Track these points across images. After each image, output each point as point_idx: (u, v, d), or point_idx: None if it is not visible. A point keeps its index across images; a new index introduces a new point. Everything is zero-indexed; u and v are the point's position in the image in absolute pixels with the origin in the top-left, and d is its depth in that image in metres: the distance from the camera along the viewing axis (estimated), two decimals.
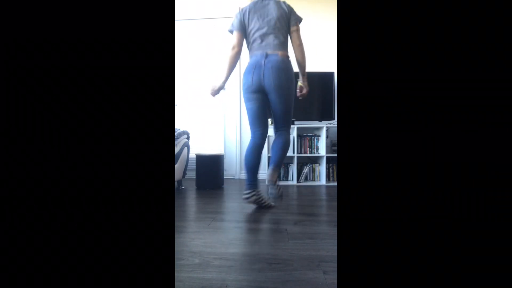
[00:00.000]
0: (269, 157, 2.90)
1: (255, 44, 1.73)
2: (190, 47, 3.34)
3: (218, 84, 1.81)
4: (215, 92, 1.82)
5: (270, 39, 1.70)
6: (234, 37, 1.76)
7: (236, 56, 1.77)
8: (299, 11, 3.14)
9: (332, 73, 2.98)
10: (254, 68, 1.70)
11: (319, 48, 3.15)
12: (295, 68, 1.86)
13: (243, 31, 1.76)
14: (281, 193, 1.80)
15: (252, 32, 1.73)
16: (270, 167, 1.79)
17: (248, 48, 1.80)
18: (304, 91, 1.84)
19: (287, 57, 1.74)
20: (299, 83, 1.84)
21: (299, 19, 1.78)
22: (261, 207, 1.83)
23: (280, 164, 1.80)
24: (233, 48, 1.75)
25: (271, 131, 2.88)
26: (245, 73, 1.76)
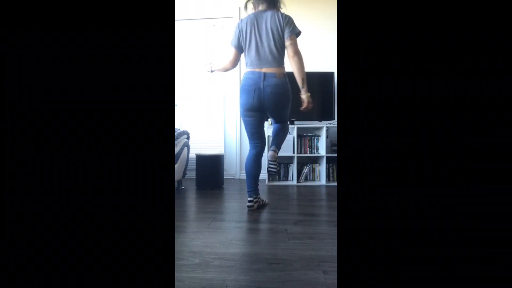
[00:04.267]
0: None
1: (251, 58, 1.74)
2: (190, 47, 3.34)
3: (215, 67, 1.94)
4: (210, 69, 1.95)
5: (266, 53, 1.69)
6: (231, 53, 1.82)
7: (229, 69, 1.90)
8: (299, 11, 3.13)
9: (332, 73, 2.98)
10: (254, 90, 1.71)
11: (319, 48, 3.15)
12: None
13: (240, 48, 1.80)
14: (280, 169, 1.98)
15: (248, 45, 1.74)
16: (272, 148, 1.88)
17: (245, 58, 1.79)
18: (305, 104, 1.74)
19: (284, 75, 1.74)
20: (301, 96, 1.73)
21: (295, 32, 1.70)
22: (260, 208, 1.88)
23: (280, 145, 1.93)
24: (229, 63, 1.86)
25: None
26: (243, 92, 1.75)
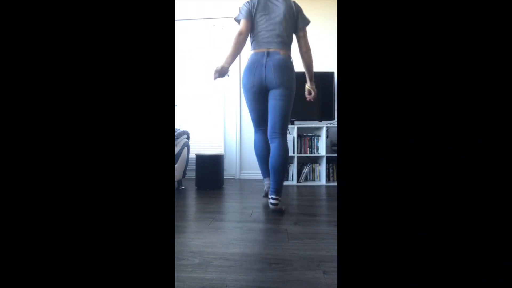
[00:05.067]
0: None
1: (258, 39, 1.70)
2: (190, 47, 3.34)
3: (221, 65, 1.64)
4: (219, 75, 1.65)
5: (274, 36, 1.68)
6: (241, 24, 1.70)
7: (243, 42, 1.69)
8: None
9: (332, 73, 2.98)
10: (256, 67, 1.68)
11: (319, 48, 3.15)
12: (298, 70, 1.86)
13: (251, 20, 1.71)
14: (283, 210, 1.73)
15: (257, 26, 1.71)
16: (274, 195, 1.67)
17: (250, 41, 1.76)
18: (313, 94, 1.87)
19: (289, 56, 1.72)
20: (307, 87, 1.87)
21: (306, 22, 1.75)
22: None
23: (281, 188, 1.70)
24: (240, 34, 1.67)
25: None
26: (245, 72, 1.73)
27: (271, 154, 1.72)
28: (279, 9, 1.70)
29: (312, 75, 1.82)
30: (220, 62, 1.68)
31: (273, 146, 1.71)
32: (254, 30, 1.73)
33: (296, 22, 1.73)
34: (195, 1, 3.27)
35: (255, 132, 1.86)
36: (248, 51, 1.79)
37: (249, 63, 1.73)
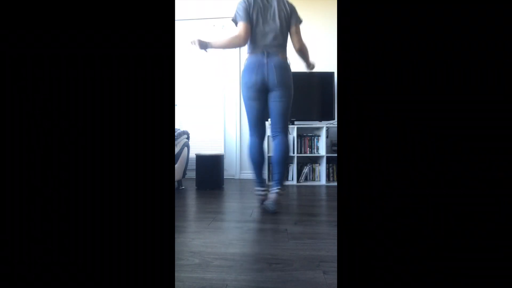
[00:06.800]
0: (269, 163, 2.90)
1: (255, 42, 1.70)
2: (190, 47, 3.34)
3: (208, 42, 1.68)
4: (199, 45, 1.68)
5: (270, 38, 1.69)
6: (240, 27, 1.65)
7: (238, 45, 1.67)
8: (299, 12, 3.14)
9: (332, 73, 2.98)
10: (257, 67, 1.67)
11: (319, 48, 3.15)
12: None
13: (250, 22, 1.66)
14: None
15: (253, 28, 1.70)
16: (275, 189, 1.71)
17: (248, 43, 1.75)
18: (311, 66, 1.92)
19: (287, 58, 1.76)
20: (307, 69, 1.96)
21: (299, 20, 1.76)
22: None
23: (283, 180, 1.75)
24: (238, 37, 1.63)
25: None
26: (246, 72, 1.71)
27: (273, 150, 1.78)
28: (273, 10, 1.70)
29: (308, 60, 1.88)
30: (209, 40, 1.68)
31: (275, 143, 1.77)
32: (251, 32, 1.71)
33: (289, 22, 1.74)
34: (195, 1, 3.27)
35: (250, 135, 1.80)
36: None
37: (248, 64, 1.71)
